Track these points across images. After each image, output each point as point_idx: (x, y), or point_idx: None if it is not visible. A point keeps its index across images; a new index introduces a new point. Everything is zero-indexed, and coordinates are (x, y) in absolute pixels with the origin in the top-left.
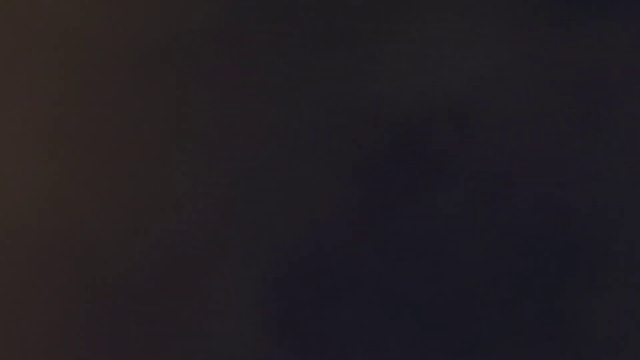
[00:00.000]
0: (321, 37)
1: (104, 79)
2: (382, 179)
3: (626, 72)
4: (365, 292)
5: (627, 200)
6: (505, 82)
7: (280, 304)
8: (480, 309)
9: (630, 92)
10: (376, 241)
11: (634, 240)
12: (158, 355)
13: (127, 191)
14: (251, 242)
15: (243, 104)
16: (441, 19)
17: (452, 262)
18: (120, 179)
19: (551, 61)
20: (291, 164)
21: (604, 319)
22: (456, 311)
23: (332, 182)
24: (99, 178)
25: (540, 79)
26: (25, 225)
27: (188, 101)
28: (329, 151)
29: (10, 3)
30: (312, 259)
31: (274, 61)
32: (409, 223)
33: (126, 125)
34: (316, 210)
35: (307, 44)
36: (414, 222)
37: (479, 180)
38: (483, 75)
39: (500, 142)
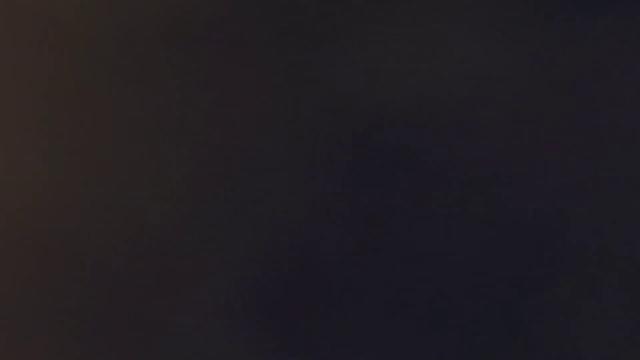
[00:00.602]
0: (301, 33)
1: (95, 72)
2: (364, 177)
3: (617, 71)
4: (350, 289)
5: (617, 200)
6: (489, 80)
7: (263, 302)
8: (470, 308)
9: (622, 91)
10: (359, 238)
11: (630, 241)
12: (142, 349)
13: (113, 186)
14: (228, 241)
15: (221, 102)
16: (424, 16)
17: (436, 260)
18: (106, 174)
19: (536, 60)
20: (274, 162)
21: (586, 318)
22: (444, 310)
23: (315, 180)
24: (84, 173)
25: (524, 78)
26: (14, 219)
27: (167, 97)
28: (310, 149)
29: None
30: (292, 256)
31: (253, 58)
32: (392, 220)
33: (109, 119)
34: (297, 208)
35: (288, 40)
36: (397, 220)
37: (464, 178)
38: (465, 73)
39: (484, 140)
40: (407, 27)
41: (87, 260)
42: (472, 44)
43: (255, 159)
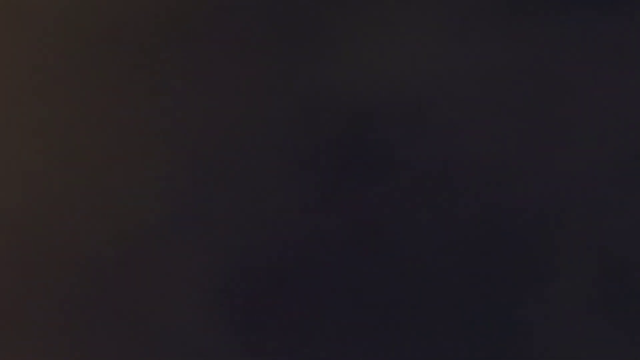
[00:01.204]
0: (295, 31)
1: (93, 71)
2: (357, 176)
3: (612, 69)
4: (341, 289)
5: (586, 199)
6: (466, 77)
7: (233, 298)
8: (462, 308)
9: (617, 89)
10: (351, 238)
11: (592, 238)
12: (138, 349)
13: (108, 184)
14: (203, 234)
15: (200, 94)
16: (404, 13)
17: (431, 261)
18: (101, 172)
19: (530, 57)
20: (266, 160)
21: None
22: (436, 310)
23: (307, 179)
24: (80, 172)
25: (497, 74)
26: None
27: (160, 95)
28: (302, 148)
29: None
30: (268, 250)
31: (233, 52)
32: (385, 219)
33: (105, 117)
34: (290, 206)
35: (281, 39)
36: (390, 219)
37: (458, 177)
38: (459, 71)
39: (457, 136)
40: (400, 26)
41: (83, 260)
42: (465, 42)
43: (248, 157)
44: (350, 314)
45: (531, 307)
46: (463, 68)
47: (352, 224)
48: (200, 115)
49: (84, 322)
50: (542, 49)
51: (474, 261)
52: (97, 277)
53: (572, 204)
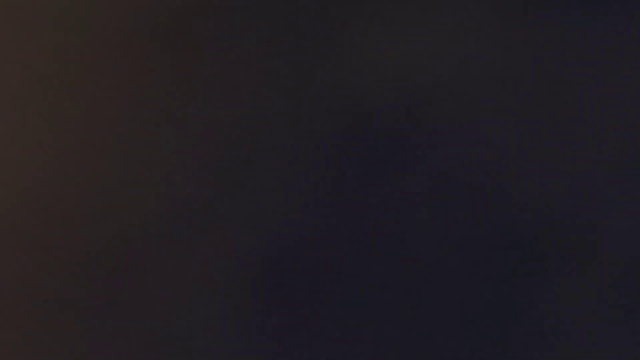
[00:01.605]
0: (290, 23)
1: (91, 71)
2: (349, 167)
3: (609, 67)
4: (330, 278)
5: (593, 196)
6: (473, 73)
7: (236, 296)
8: (444, 297)
9: (615, 87)
10: (353, 234)
11: (599, 232)
12: (139, 347)
13: (109, 181)
14: (208, 232)
15: (204, 92)
16: (410, 9)
17: (416, 250)
18: (102, 170)
19: (529, 53)
20: (269, 156)
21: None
22: (420, 299)
23: (293, 172)
24: (81, 170)
25: (508, 70)
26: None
27: (161, 93)
28: (304, 143)
29: None
30: (278, 245)
31: (242, 48)
32: (374, 210)
33: (99, 103)
34: (282, 197)
35: (282, 35)
36: (379, 209)
37: (441, 172)
38: (460, 67)
39: (465, 131)
40: (404, 24)
41: (85, 258)
42: (465, 37)
43: (250, 153)
44: (353, 310)
45: (536, 304)
46: (467, 65)
47: (356, 220)
48: (203, 114)
49: (86, 320)
50: (545, 46)
51: (478, 258)
52: (99, 276)
53: (576, 201)
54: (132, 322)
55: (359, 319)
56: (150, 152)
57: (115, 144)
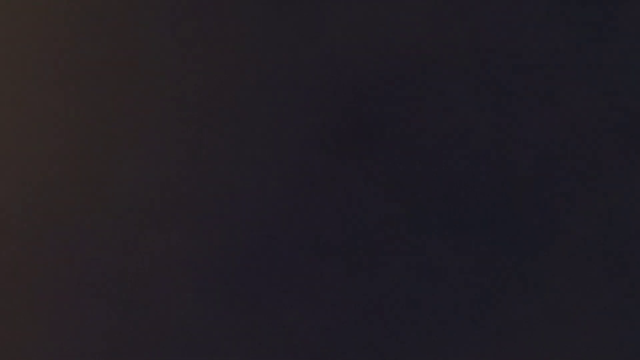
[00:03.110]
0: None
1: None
2: (332, 142)
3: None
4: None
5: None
6: (451, 45)
7: (228, 290)
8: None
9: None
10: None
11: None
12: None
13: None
14: (200, 222)
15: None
16: None
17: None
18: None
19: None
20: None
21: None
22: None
23: (280, 147)
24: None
25: (484, 45)
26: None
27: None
28: (277, 114)
29: None
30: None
31: (227, 21)
32: (353, 188)
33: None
34: (262, 175)
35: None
36: (359, 188)
37: (428, 143)
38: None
39: (443, 104)
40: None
41: (81, 258)
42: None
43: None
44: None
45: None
46: (457, 35)
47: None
48: (209, 75)
49: (81, 318)
50: (533, 20)
51: (457, 243)
52: (93, 272)
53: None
54: (131, 321)
55: (356, 319)
56: (144, 139)
57: (109, 135)
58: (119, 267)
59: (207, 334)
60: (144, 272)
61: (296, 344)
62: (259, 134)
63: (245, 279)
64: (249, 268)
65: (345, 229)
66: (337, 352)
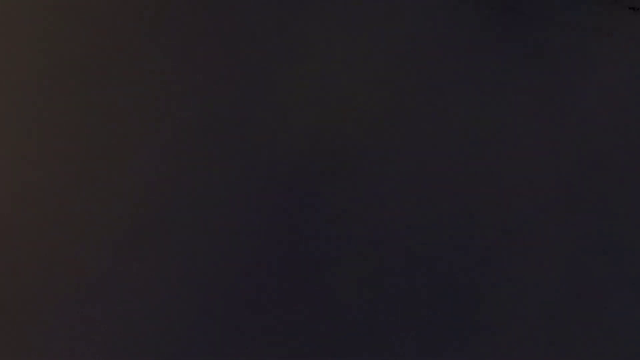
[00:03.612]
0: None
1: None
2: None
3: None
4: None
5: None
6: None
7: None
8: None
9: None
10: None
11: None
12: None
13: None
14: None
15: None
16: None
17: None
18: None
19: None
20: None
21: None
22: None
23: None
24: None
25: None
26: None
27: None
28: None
29: None
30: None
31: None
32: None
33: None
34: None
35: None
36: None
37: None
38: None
39: (409, 140)
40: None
41: (80, 260)
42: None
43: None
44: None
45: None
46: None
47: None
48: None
49: (79, 321)
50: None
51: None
52: (99, 276)
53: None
54: (129, 320)
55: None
56: (139, 149)
57: (105, 142)
58: (119, 267)
59: (207, 334)
60: (144, 272)
61: (296, 343)
62: (260, 139)
63: (246, 279)
64: (249, 268)
65: (345, 228)
66: (337, 352)
